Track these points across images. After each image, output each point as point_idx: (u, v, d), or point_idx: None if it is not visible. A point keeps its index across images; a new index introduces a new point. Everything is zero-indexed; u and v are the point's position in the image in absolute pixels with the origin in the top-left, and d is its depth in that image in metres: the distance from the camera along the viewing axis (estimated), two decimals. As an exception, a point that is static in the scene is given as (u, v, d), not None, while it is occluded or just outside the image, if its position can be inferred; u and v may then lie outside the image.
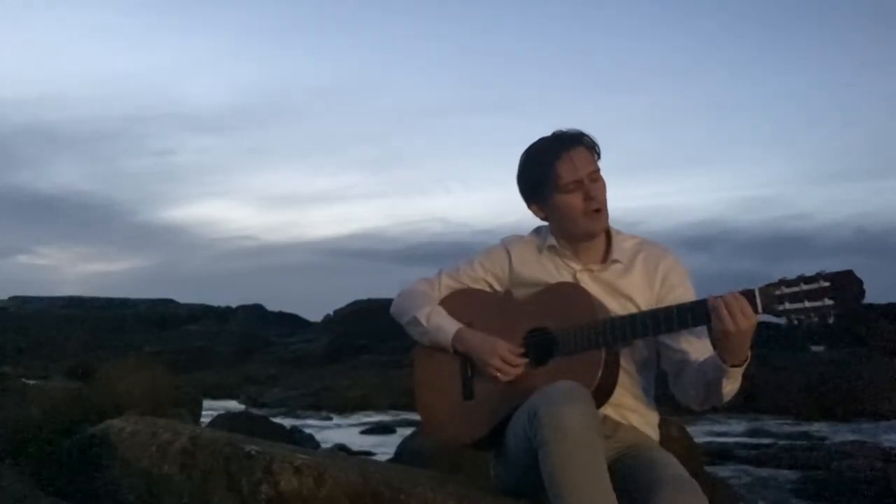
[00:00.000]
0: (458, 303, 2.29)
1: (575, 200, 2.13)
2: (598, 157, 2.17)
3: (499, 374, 2.12)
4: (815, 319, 1.80)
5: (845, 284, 1.76)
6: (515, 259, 2.27)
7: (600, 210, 2.14)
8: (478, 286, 2.32)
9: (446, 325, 2.24)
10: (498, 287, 2.31)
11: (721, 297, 1.87)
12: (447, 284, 2.34)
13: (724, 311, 1.84)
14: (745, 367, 1.92)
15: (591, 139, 2.17)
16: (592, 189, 2.12)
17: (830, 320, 1.79)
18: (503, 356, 2.12)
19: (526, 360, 2.12)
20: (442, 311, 2.27)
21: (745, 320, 1.84)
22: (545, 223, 2.28)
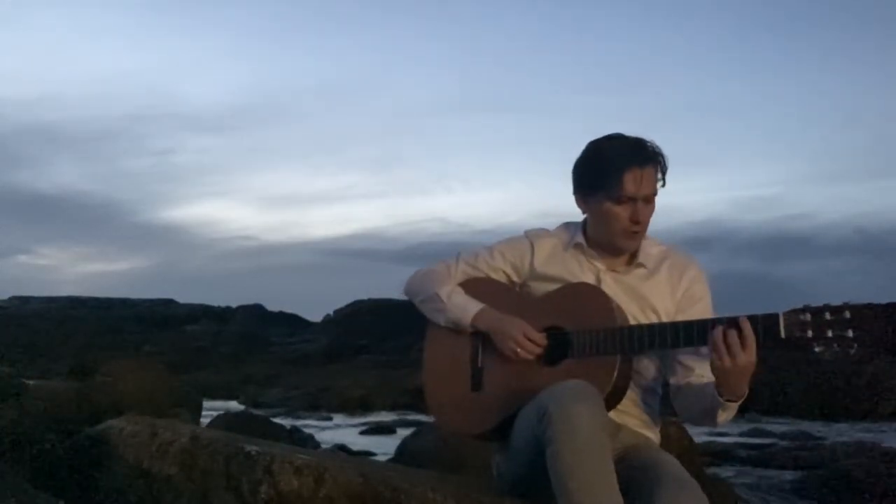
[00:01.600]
0: (472, 290, 2.27)
1: (622, 214, 2.10)
2: (664, 183, 2.12)
3: (518, 350, 2.10)
4: (838, 350, 1.77)
5: (870, 318, 1.74)
6: (538, 253, 2.25)
7: (639, 232, 2.12)
8: (495, 276, 2.30)
9: (468, 304, 2.22)
10: (515, 279, 2.29)
11: (724, 327, 1.85)
12: (464, 270, 2.32)
13: (721, 345, 1.84)
14: (741, 402, 1.93)
15: (664, 162, 2.12)
16: (642, 211, 2.09)
17: (852, 352, 1.76)
18: (526, 332, 2.11)
19: (546, 343, 2.11)
20: (462, 292, 2.26)
21: (736, 358, 1.83)
22: (573, 221, 2.28)
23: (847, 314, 1.76)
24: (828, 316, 1.78)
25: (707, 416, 2.01)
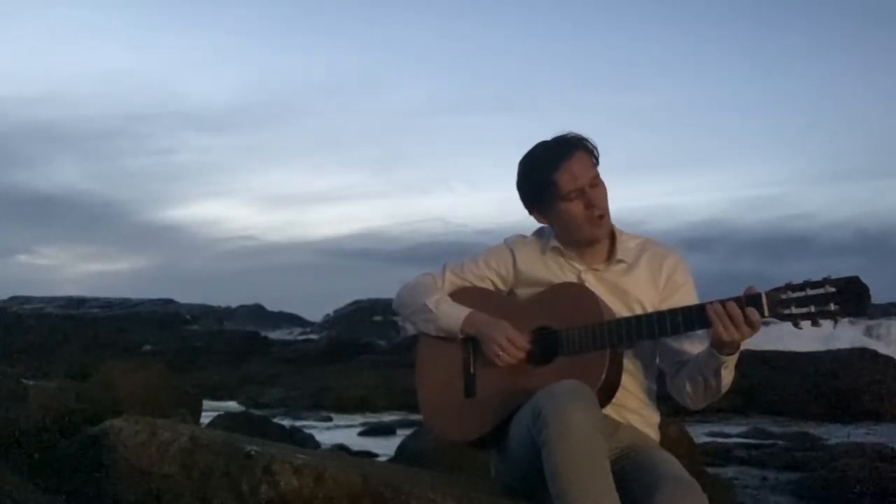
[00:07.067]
0: (461, 300, 2.29)
1: (577, 209, 2.13)
2: (598, 162, 2.16)
3: (502, 353, 2.12)
4: (821, 324, 1.81)
5: (851, 291, 1.78)
6: (520, 259, 2.28)
7: (603, 216, 2.14)
8: (482, 284, 2.32)
9: (456, 311, 2.24)
10: (502, 286, 2.31)
11: (724, 306, 1.88)
12: (451, 281, 2.34)
13: (719, 324, 1.87)
14: (737, 354, 1.96)
15: (589, 143, 2.16)
16: (594, 196, 2.12)
17: (835, 326, 1.81)
18: (509, 335, 2.12)
19: (529, 346, 2.13)
20: (450, 300, 2.28)
21: (739, 331, 1.87)
22: (544, 226, 2.29)
23: (829, 288, 1.80)
24: (809, 291, 1.82)
25: (710, 384, 2.01)
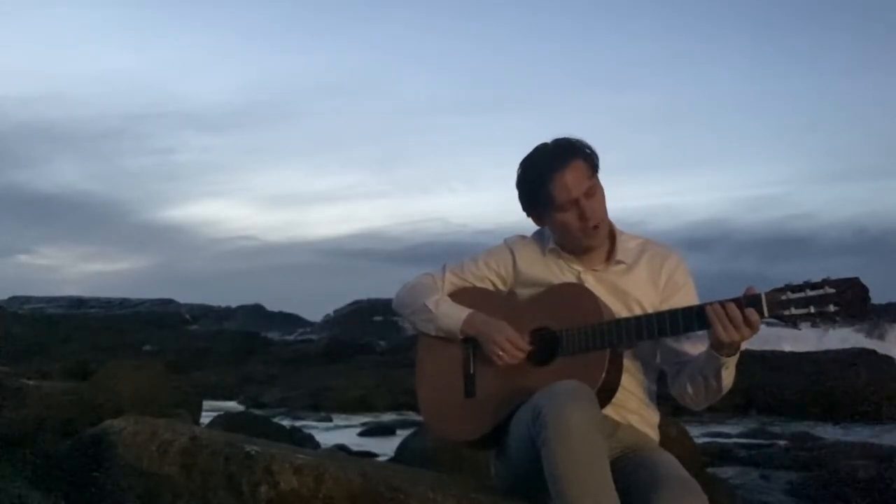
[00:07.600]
0: (461, 300, 2.29)
1: (571, 218, 2.12)
2: (596, 168, 2.14)
3: (502, 353, 2.12)
4: (820, 325, 1.82)
5: (851, 291, 1.78)
6: (520, 259, 2.28)
7: (597, 226, 2.13)
8: (482, 285, 2.32)
9: (456, 311, 2.24)
10: (501, 287, 2.31)
11: (724, 307, 1.88)
12: (451, 281, 2.34)
13: (718, 325, 1.87)
14: (738, 354, 1.95)
15: (587, 150, 2.14)
16: (588, 208, 2.10)
17: (835, 327, 1.82)
18: (509, 336, 2.12)
19: (529, 347, 2.13)
20: (450, 300, 2.28)
21: (739, 332, 1.86)
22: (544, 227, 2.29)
23: (828, 289, 1.80)
24: (809, 292, 1.82)
25: (710, 385, 2.01)
